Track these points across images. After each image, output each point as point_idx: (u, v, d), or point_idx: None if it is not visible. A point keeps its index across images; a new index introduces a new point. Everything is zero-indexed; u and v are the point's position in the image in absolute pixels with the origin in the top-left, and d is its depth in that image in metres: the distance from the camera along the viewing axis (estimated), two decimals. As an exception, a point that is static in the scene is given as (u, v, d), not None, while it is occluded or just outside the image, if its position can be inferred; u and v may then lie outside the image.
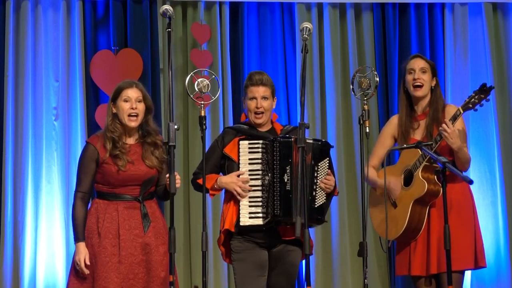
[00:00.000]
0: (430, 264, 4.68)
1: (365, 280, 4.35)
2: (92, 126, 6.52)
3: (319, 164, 4.50)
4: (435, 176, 4.61)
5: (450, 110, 4.75)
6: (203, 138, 4.35)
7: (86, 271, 4.35)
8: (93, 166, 4.43)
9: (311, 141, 4.46)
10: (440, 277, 4.66)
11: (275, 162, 4.45)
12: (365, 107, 4.47)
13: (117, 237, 4.38)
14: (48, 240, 6.42)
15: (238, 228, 4.48)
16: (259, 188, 4.48)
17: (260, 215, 4.45)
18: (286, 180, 4.43)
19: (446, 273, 4.37)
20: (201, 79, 4.43)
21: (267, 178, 4.46)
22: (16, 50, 6.57)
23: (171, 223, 4.10)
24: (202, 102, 4.39)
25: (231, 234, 4.52)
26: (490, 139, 6.82)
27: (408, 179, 4.74)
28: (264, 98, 4.57)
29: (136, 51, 6.62)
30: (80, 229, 4.41)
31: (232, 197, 4.53)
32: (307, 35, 4.35)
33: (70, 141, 6.53)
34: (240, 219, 4.46)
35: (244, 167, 4.52)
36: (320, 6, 6.90)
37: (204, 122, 4.36)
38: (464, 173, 4.73)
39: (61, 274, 6.36)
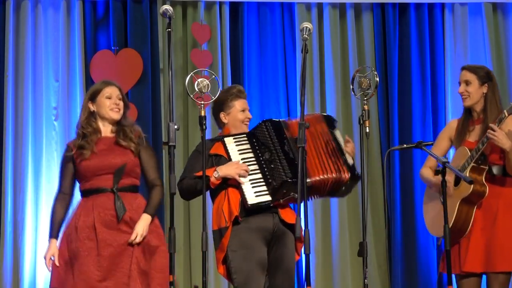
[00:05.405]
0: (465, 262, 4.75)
1: (365, 280, 4.35)
2: (92, 126, 6.52)
3: (334, 131, 4.66)
4: (483, 177, 4.70)
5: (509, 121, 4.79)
6: (203, 138, 4.36)
7: (49, 268, 4.43)
8: (70, 166, 4.52)
9: (315, 114, 4.59)
10: (488, 276, 4.74)
11: (270, 140, 4.57)
12: (365, 107, 4.48)
13: (93, 230, 4.39)
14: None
15: (245, 211, 4.47)
16: (258, 171, 4.53)
17: (266, 192, 4.48)
18: (287, 150, 4.52)
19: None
20: (201, 79, 4.43)
21: (266, 155, 4.53)
22: (16, 50, 6.58)
23: (171, 223, 4.09)
24: (202, 102, 4.39)
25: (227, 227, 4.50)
26: (490, 139, 6.82)
27: (458, 179, 4.81)
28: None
29: (136, 51, 6.62)
30: (54, 226, 4.50)
31: (224, 191, 4.53)
32: (307, 35, 4.36)
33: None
34: (248, 199, 4.46)
35: (236, 158, 4.57)
36: (320, 6, 6.90)
37: (204, 122, 4.36)
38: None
39: (61, 274, 6.36)
